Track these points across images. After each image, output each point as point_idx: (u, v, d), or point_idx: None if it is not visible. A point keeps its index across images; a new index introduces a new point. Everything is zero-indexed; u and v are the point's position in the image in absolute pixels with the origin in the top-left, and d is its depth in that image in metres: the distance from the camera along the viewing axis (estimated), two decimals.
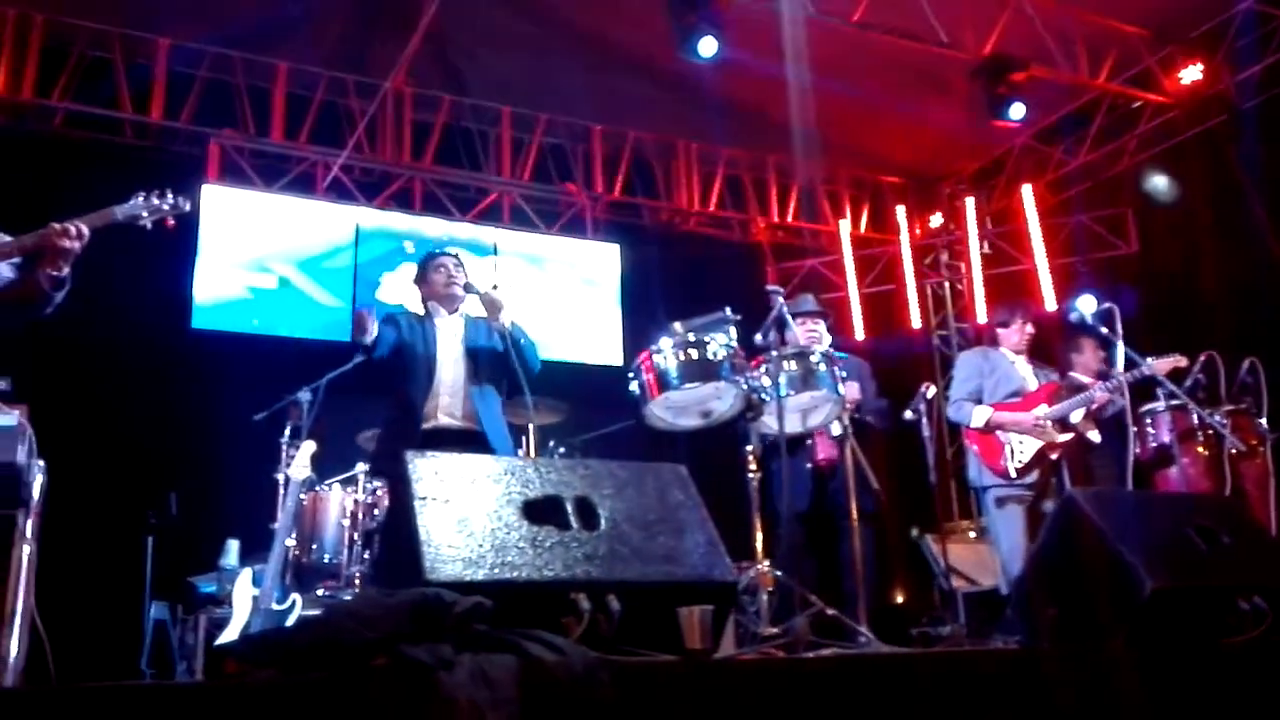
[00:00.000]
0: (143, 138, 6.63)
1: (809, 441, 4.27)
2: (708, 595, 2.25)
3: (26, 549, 3.52)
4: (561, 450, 5.70)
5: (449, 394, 3.96)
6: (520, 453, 5.24)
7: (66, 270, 2.68)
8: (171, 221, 2.87)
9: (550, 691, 1.85)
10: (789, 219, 8.46)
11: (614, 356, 7.46)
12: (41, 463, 3.60)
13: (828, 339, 4.61)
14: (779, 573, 3.32)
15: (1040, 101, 6.98)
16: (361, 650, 1.77)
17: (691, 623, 2.13)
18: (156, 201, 2.84)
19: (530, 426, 5.50)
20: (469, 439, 3.88)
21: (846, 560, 4.21)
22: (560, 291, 7.51)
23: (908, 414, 4.58)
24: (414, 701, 1.72)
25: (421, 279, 4.27)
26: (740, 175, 8.32)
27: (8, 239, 2.69)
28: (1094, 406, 4.65)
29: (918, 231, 8.76)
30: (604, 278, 7.69)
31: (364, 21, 6.84)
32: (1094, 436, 4.68)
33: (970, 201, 8.42)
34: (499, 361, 3.99)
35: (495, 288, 4.09)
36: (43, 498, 3.61)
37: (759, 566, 3.27)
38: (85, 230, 2.67)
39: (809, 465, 4.09)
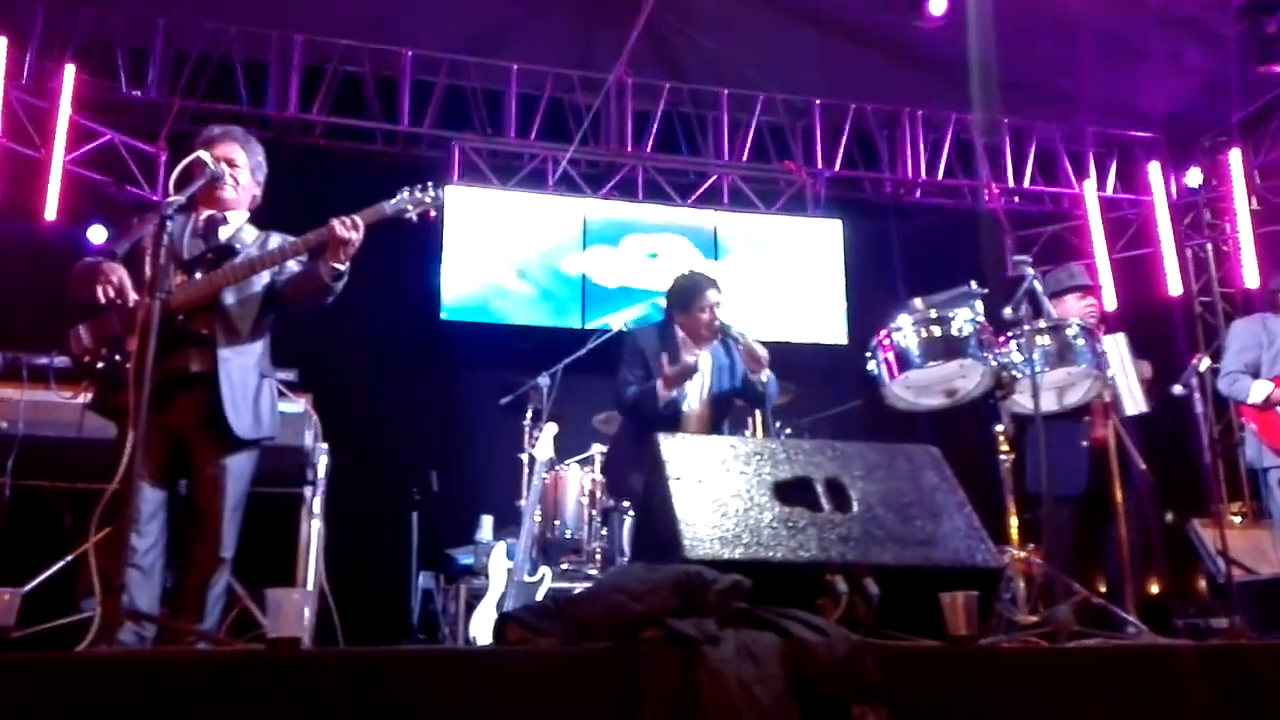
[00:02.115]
0: (391, 144, 7.15)
1: (1085, 419, 3.98)
2: (969, 581, 2.18)
3: (315, 524, 3.93)
4: (788, 432, 5.68)
5: (697, 419, 3.93)
6: (746, 433, 5.27)
7: (347, 264, 2.91)
8: (433, 213, 3.05)
9: (815, 671, 1.86)
10: (1025, 183, 7.98)
11: (839, 335, 7.33)
12: (325, 445, 4.02)
13: None
14: (1037, 559, 3.16)
15: None
16: (633, 623, 1.85)
17: (955, 609, 2.07)
18: (419, 195, 3.02)
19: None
20: None
21: (1110, 547, 3.95)
22: (782, 271, 7.46)
23: (1177, 388, 4.21)
24: (684, 673, 1.78)
25: (683, 309, 4.00)
26: (971, 140, 7.93)
27: (294, 239, 2.96)
28: None
29: (1174, 190, 8.03)
30: (827, 255, 7.56)
31: (585, 17, 7.06)
32: None
33: (1235, 154, 7.62)
34: (740, 395, 4.00)
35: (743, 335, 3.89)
36: (327, 478, 4.02)
37: (1013, 551, 3.13)
38: (361, 223, 2.89)
39: (1084, 444, 3.79)
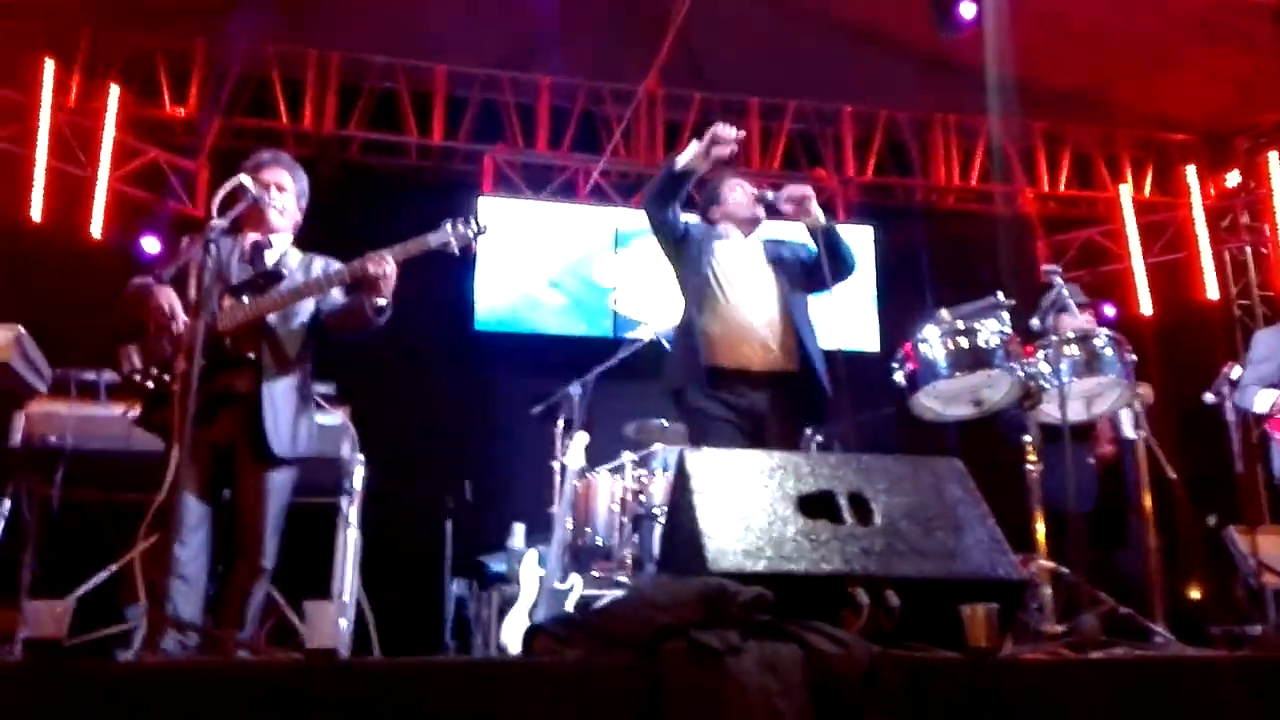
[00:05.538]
0: (425, 158, 7.27)
1: (1094, 433, 3.99)
2: (991, 593, 2.20)
3: (352, 534, 4.02)
4: (819, 439, 5.69)
5: (764, 325, 3.60)
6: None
7: (387, 299, 2.98)
8: (474, 246, 3.12)
9: (835, 682, 1.89)
10: (1060, 188, 7.93)
11: (870, 342, 7.33)
12: (361, 456, 4.10)
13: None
14: (1064, 569, 3.16)
15: None
16: (657, 634, 1.89)
17: (976, 620, 2.09)
18: (462, 229, 3.07)
19: None
20: (784, 381, 3.57)
21: (1128, 559, 3.95)
22: None
23: (1208, 396, 4.20)
24: (708, 684, 1.82)
25: (714, 201, 3.89)
26: (1005, 146, 7.89)
27: (341, 266, 3.04)
28: None
29: (1212, 193, 7.94)
30: (857, 261, 7.54)
31: (616, 30, 7.13)
32: None
33: (1273, 156, 7.52)
34: (808, 273, 3.75)
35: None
36: (363, 488, 4.11)
37: (1040, 561, 3.13)
38: (389, 258, 2.95)
39: (1090, 460, 3.81)
